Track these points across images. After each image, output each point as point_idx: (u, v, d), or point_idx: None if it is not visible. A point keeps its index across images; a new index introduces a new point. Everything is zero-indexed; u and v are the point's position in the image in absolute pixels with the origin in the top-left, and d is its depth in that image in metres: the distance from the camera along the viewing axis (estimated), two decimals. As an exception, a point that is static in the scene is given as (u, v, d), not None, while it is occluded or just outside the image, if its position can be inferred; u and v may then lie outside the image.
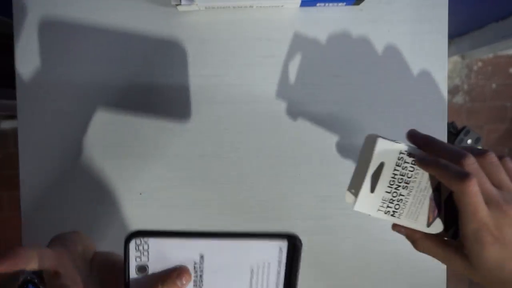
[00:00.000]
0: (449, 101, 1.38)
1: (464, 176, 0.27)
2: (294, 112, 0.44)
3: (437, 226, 0.32)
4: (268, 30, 0.44)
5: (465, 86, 1.39)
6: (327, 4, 0.43)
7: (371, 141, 0.33)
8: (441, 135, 0.44)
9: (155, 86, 0.43)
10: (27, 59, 0.43)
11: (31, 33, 0.43)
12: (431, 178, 0.32)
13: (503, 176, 0.30)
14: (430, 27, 0.44)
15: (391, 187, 0.33)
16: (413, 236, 0.33)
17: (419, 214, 0.33)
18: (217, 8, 0.43)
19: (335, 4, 0.43)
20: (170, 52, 0.43)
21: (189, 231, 0.27)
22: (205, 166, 0.44)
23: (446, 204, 0.32)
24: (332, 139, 0.44)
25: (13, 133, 1.32)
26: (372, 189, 0.33)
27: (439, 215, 0.32)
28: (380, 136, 0.32)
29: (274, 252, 0.27)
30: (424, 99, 0.44)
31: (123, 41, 0.43)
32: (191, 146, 0.43)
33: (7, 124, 1.32)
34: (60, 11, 0.43)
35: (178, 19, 0.43)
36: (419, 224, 0.33)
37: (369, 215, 0.33)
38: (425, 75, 0.44)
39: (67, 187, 0.43)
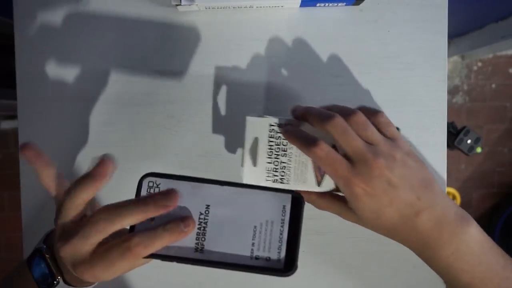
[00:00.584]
0: (449, 101, 1.38)
1: (311, 143, 0.30)
2: (294, 112, 0.44)
3: (328, 183, 0.34)
4: (268, 30, 0.44)
5: (465, 86, 1.39)
6: (327, 4, 0.43)
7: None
8: (441, 135, 0.44)
9: (155, 86, 0.43)
10: (27, 59, 0.43)
11: (31, 33, 0.43)
12: None
13: (371, 132, 0.31)
14: (430, 27, 0.44)
15: (271, 158, 0.35)
16: (310, 198, 0.35)
17: (306, 176, 0.35)
18: (217, 8, 0.43)
19: (335, 4, 0.43)
20: (170, 52, 0.43)
21: (199, 177, 0.28)
22: (205, 166, 0.44)
23: None
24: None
25: (13, 133, 1.32)
26: (254, 163, 0.35)
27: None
28: (249, 116, 0.35)
29: (278, 210, 0.28)
30: (424, 99, 0.44)
31: (123, 41, 0.43)
32: (191, 146, 0.44)
33: (7, 124, 1.32)
34: (60, 12, 0.43)
35: (178, 19, 0.43)
36: (310, 185, 0.35)
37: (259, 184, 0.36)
38: (425, 75, 0.44)
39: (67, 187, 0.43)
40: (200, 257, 0.27)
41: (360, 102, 0.44)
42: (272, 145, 0.36)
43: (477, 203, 1.42)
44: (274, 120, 0.35)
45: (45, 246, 0.32)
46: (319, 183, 0.36)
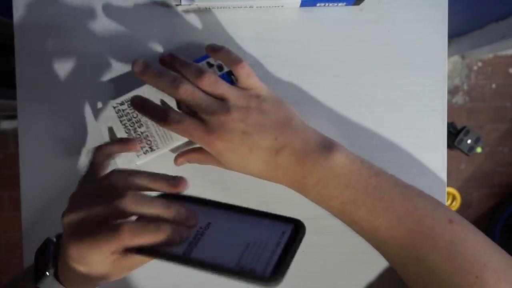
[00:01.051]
0: (449, 101, 1.38)
1: (161, 118, 0.33)
2: (294, 112, 0.44)
3: None
4: (268, 30, 0.44)
5: (465, 86, 1.39)
6: (327, 4, 0.43)
7: None
8: (441, 135, 0.44)
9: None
10: (27, 59, 0.43)
11: (31, 33, 0.43)
12: None
13: (222, 89, 0.34)
14: (430, 27, 0.44)
15: (130, 134, 0.38)
16: (193, 158, 0.37)
17: (170, 133, 0.38)
18: (217, 8, 0.43)
19: (335, 4, 0.43)
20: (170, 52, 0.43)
21: (207, 200, 0.29)
22: (205, 166, 0.44)
23: None
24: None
25: (13, 133, 1.32)
26: None
27: None
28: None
29: (276, 234, 0.27)
30: (424, 99, 0.44)
31: (123, 42, 0.43)
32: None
33: (7, 124, 1.32)
34: (60, 12, 0.43)
35: (178, 19, 0.43)
36: (176, 139, 0.38)
37: (137, 164, 0.38)
38: (425, 75, 0.44)
39: (67, 187, 0.43)
40: (184, 257, 0.27)
41: (360, 102, 0.44)
42: (125, 123, 0.38)
43: (477, 203, 1.42)
44: (114, 102, 0.38)
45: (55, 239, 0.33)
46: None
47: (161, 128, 0.38)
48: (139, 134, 0.39)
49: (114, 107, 0.39)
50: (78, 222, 0.28)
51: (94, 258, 0.28)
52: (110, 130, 0.39)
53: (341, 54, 0.44)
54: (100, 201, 0.28)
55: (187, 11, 0.43)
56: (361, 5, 0.43)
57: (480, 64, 1.39)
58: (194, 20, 0.43)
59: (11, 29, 0.43)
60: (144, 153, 0.39)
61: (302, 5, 0.42)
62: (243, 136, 0.32)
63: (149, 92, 0.38)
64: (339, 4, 0.43)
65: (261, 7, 0.43)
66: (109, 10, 0.43)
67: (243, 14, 0.43)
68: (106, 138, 0.39)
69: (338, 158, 0.32)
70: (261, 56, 0.44)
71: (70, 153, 0.43)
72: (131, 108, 0.38)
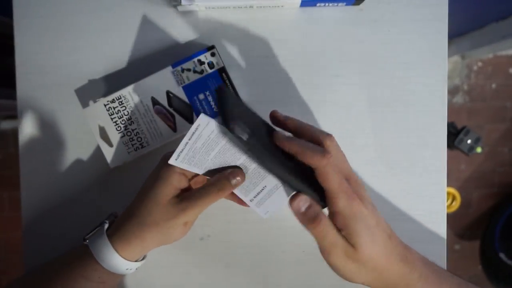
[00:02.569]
0: (449, 101, 1.38)
1: (319, 151, 0.30)
2: (293, 112, 0.44)
3: (181, 129, 0.40)
4: (268, 30, 0.44)
5: (465, 86, 1.39)
6: (327, 4, 0.43)
7: None
8: (441, 135, 0.44)
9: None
10: (27, 59, 0.43)
11: (31, 33, 0.43)
12: None
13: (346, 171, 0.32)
14: (430, 27, 0.44)
15: (121, 131, 0.39)
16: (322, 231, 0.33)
17: (160, 130, 0.39)
18: (217, 8, 0.43)
19: (335, 4, 0.43)
20: (170, 52, 0.43)
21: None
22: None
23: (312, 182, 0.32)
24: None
25: (13, 133, 1.32)
26: (110, 144, 0.39)
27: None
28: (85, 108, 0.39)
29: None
30: (424, 99, 0.44)
31: (123, 42, 0.43)
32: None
33: (7, 124, 1.32)
34: (60, 11, 0.43)
35: (178, 19, 0.43)
36: (166, 135, 0.40)
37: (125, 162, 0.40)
38: (425, 75, 0.44)
39: (67, 186, 0.43)
40: None
41: (360, 102, 0.44)
42: (116, 121, 0.39)
43: (477, 203, 1.42)
44: (106, 99, 0.39)
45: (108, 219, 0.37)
46: (174, 130, 0.39)
47: (151, 125, 0.39)
48: (129, 132, 0.39)
49: (105, 104, 0.39)
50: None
51: (174, 175, 0.34)
52: (101, 129, 0.39)
53: (341, 54, 0.44)
54: None
55: (187, 11, 0.43)
56: (361, 5, 0.43)
57: (480, 64, 1.39)
58: (194, 20, 0.43)
59: (11, 29, 0.43)
60: (135, 150, 0.40)
61: (302, 5, 0.42)
62: (374, 208, 0.32)
63: (137, 91, 0.39)
64: (339, 4, 0.43)
65: (261, 7, 0.43)
66: (109, 10, 0.43)
67: (243, 14, 0.43)
68: (97, 136, 0.39)
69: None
70: (261, 56, 0.44)
71: (70, 153, 0.43)
72: (122, 105, 0.39)
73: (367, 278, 0.31)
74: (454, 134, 1.31)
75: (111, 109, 0.39)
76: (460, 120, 1.38)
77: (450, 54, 1.33)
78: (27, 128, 0.43)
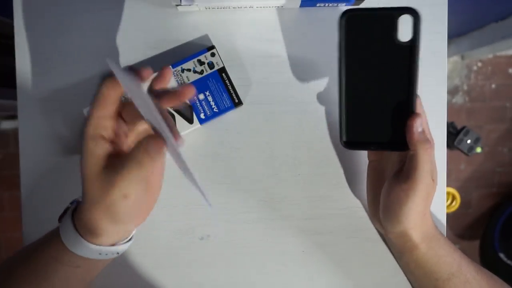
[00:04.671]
0: (449, 101, 1.38)
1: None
2: (294, 112, 0.44)
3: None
4: (268, 30, 0.44)
5: (465, 86, 1.39)
6: (327, 4, 0.43)
7: None
8: (441, 135, 0.44)
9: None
10: (27, 59, 0.43)
11: (31, 33, 0.43)
12: None
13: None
14: (430, 27, 0.44)
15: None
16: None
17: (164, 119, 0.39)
18: (217, 8, 0.43)
19: (335, 4, 0.43)
20: (170, 53, 0.43)
21: None
22: (205, 166, 0.44)
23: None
24: (332, 139, 0.44)
25: (13, 133, 1.32)
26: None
27: None
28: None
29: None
30: (424, 99, 0.44)
31: (123, 42, 0.43)
32: (191, 147, 0.44)
33: (7, 124, 1.32)
34: (60, 11, 0.43)
35: (178, 19, 0.43)
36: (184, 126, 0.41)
37: None
38: (425, 75, 0.44)
39: (67, 187, 0.43)
40: None
41: (360, 102, 0.44)
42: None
43: (477, 203, 1.42)
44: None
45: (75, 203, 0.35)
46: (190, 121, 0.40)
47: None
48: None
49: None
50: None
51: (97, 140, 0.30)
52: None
53: (341, 54, 0.44)
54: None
55: (187, 11, 0.43)
56: (361, 5, 0.43)
57: (480, 64, 1.39)
58: (194, 20, 0.43)
59: (11, 29, 0.43)
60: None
61: (302, 5, 0.42)
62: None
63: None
64: (339, 4, 0.43)
65: (261, 7, 0.43)
66: (109, 10, 0.43)
67: (243, 14, 0.43)
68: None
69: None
70: (261, 56, 0.44)
71: (70, 153, 0.43)
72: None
73: (399, 203, 0.35)
74: (454, 134, 1.31)
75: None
76: (460, 120, 1.38)
77: (450, 54, 1.33)
78: (27, 128, 0.43)
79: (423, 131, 0.34)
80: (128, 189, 0.30)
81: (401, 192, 0.34)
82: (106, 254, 0.34)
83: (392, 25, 0.31)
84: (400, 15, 0.31)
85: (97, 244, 0.32)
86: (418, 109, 0.34)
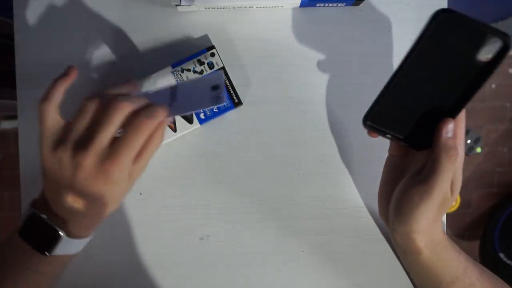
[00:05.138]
0: (449, 101, 1.38)
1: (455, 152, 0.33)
2: (294, 112, 0.44)
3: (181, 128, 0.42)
4: (268, 30, 0.44)
5: (465, 86, 1.39)
6: (327, 5, 0.43)
7: None
8: (441, 135, 0.44)
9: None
10: (27, 59, 0.43)
11: (31, 33, 0.43)
12: None
13: None
14: (430, 27, 0.44)
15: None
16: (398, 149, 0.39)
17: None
18: (217, 8, 0.43)
19: (335, 4, 0.43)
20: (170, 52, 0.43)
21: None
22: (205, 166, 0.44)
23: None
24: (332, 139, 0.44)
25: (13, 133, 1.32)
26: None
27: None
28: None
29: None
30: (424, 99, 0.44)
31: (123, 42, 0.43)
32: (191, 147, 0.44)
33: (7, 124, 1.32)
34: (60, 12, 0.43)
35: (178, 19, 0.43)
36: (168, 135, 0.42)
37: None
38: (425, 75, 0.44)
39: (67, 187, 0.43)
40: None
41: (360, 102, 0.44)
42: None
43: (476, 203, 1.42)
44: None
45: (36, 210, 0.34)
46: (174, 130, 0.41)
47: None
48: None
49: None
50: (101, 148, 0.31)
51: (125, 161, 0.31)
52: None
53: (341, 54, 0.44)
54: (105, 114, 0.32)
55: (187, 11, 0.43)
56: (361, 5, 0.43)
57: (479, 64, 1.38)
58: (194, 20, 0.43)
59: (11, 29, 0.43)
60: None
61: (302, 5, 0.42)
62: None
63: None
64: (339, 4, 0.43)
65: (261, 7, 0.43)
66: (108, 10, 0.43)
67: (243, 14, 0.43)
68: None
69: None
70: (261, 56, 0.44)
71: (70, 153, 0.43)
72: None
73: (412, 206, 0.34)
74: (454, 134, 1.30)
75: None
76: (460, 120, 1.38)
77: (450, 54, 1.33)
78: (27, 128, 0.43)
79: (453, 138, 0.33)
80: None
81: (417, 194, 0.33)
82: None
83: (480, 41, 0.31)
84: (494, 36, 0.30)
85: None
86: (459, 118, 0.33)
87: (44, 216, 0.33)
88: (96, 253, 0.43)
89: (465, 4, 0.94)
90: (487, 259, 1.32)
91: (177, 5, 0.41)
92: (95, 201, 0.32)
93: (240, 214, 0.44)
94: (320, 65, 0.44)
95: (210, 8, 0.42)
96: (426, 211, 0.33)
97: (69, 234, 0.34)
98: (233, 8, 0.43)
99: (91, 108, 0.32)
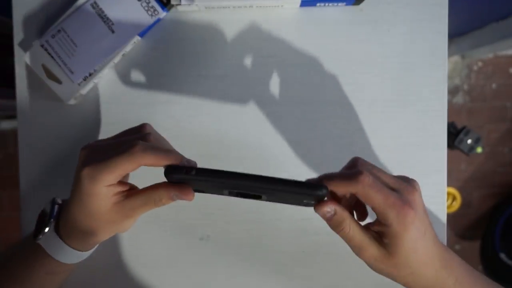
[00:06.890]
0: (449, 101, 1.38)
1: (354, 174, 0.28)
2: (294, 112, 0.44)
3: None
4: (268, 30, 0.44)
5: (465, 86, 1.39)
6: (327, 4, 0.43)
7: None
8: (441, 135, 0.44)
9: (154, 86, 0.43)
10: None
11: (31, 33, 0.43)
12: None
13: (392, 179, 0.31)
14: (430, 26, 0.44)
15: (64, 65, 0.41)
16: (348, 234, 0.32)
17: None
18: (217, 8, 0.43)
19: (335, 4, 0.43)
20: (170, 52, 0.43)
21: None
22: (205, 166, 0.44)
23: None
24: (332, 139, 0.44)
25: (13, 133, 1.32)
26: (59, 82, 0.41)
27: None
28: None
29: None
30: (424, 99, 0.44)
31: (122, 42, 0.43)
32: (191, 147, 0.43)
33: (7, 124, 1.32)
34: (60, 12, 0.43)
35: (178, 19, 0.43)
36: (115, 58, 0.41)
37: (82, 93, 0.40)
38: (425, 75, 0.44)
39: (67, 187, 0.43)
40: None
41: (360, 102, 0.44)
42: (56, 56, 0.40)
43: (477, 203, 1.42)
44: (44, 39, 0.40)
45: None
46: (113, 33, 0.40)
47: (93, 48, 0.40)
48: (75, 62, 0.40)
49: (42, 46, 0.40)
50: (95, 149, 0.31)
51: (101, 191, 0.29)
52: (44, 67, 0.40)
53: (341, 54, 0.44)
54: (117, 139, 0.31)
55: (187, 11, 0.43)
56: (361, 5, 0.43)
57: (480, 64, 1.38)
58: (194, 20, 0.43)
59: (11, 29, 0.43)
60: (84, 79, 0.40)
61: (302, 5, 0.42)
62: (424, 217, 0.31)
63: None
64: (339, 4, 0.43)
65: (261, 7, 0.43)
66: (108, 11, 0.43)
67: (243, 14, 0.43)
68: (43, 76, 0.40)
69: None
70: (261, 56, 0.44)
71: (70, 153, 0.43)
72: (61, 40, 0.40)
73: (401, 279, 0.32)
74: (454, 134, 1.30)
75: (49, 47, 0.40)
76: (460, 120, 1.38)
77: (450, 54, 1.33)
78: (27, 128, 0.43)
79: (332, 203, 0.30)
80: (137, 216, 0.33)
81: (393, 269, 0.31)
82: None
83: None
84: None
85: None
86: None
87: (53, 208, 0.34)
88: (96, 253, 0.43)
89: (465, 4, 0.93)
90: (488, 259, 1.32)
91: (177, 5, 0.41)
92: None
93: (240, 214, 0.44)
94: (320, 65, 0.44)
95: (210, 8, 0.42)
96: (419, 276, 0.31)
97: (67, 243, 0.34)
98: (233, 8, 0.43)
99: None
